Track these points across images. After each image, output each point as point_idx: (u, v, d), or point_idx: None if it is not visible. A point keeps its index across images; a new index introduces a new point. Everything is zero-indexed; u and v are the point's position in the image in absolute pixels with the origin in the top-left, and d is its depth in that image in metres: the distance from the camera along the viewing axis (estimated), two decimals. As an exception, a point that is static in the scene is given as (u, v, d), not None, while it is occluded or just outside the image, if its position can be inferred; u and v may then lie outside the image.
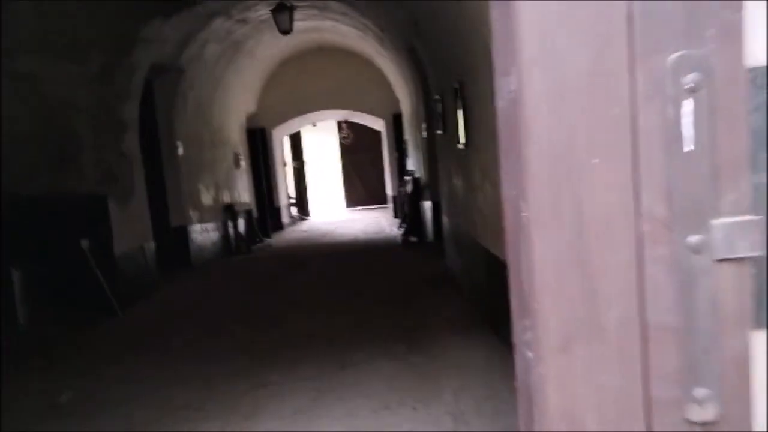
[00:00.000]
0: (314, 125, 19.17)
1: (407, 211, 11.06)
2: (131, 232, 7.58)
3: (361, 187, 21.92)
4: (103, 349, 5.89)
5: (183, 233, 9.92)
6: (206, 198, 11.02)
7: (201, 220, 10.59)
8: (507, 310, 0.89)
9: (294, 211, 18.16)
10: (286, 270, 9.59)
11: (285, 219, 16.49)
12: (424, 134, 9.49)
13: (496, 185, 4.69)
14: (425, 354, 4.90)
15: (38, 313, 6.74)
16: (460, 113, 5.83)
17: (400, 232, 11.56)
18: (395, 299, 7.00)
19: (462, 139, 5.87)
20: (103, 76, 6.95)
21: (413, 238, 10.56)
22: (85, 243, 6.81)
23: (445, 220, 8.10)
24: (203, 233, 10.64)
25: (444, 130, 7.10)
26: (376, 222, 16.43)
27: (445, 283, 7.39)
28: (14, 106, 6.64)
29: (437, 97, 7.41)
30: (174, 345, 5.87)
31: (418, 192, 10.46)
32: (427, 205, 9.87)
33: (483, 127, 4.93)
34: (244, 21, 10.19)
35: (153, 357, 5.52)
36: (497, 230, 4.82)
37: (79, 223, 6.86)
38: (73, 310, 6.76)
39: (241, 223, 12.64)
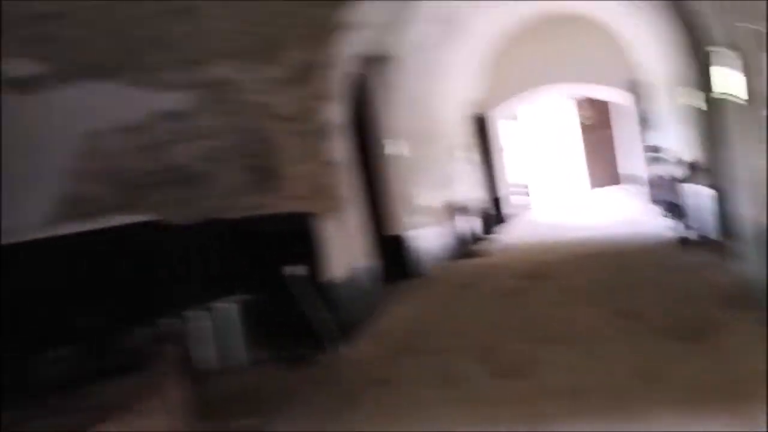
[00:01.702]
0: (540, 104, 17.36)
1: (675, 199, 8.91)
2: (344, 251, 6.56)
3: (596, 167, 19.65)
4: (315, 401, 4.86)
5: (401, 243, 8.82)
6: (425, 199, 9.83)
7: (420, 225, 9.42)
8: None
9: (520, 200, 16.50)
10: (521, 280, 8.05)
11: (511, 211, 14.95)
12: (696, 102, 7.38)
13: None
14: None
15: (252, 351, 5.99)
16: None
17: (669, 225, 9.41)
18: (682, 329, 5.15)
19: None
20: (301, 75, 5.97)
21: (691, 236, 8.39)
22: (292, 269, 5.91)
23: (743, 215, 6.00)
24: (423, 239, 9.47)
25: (750, 95, 5.07)
26: (621, 208, 14.22)
27: (751, 306, 5.35)
28: (211, 119, 5.90)
29: (724, 51, 5.39)
30: (396, 401, 4.64)
31: (691, 177, 8.30)
32: (705, 193, 7.70)
33: None
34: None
35: (371, 422, 4.35)
36: None
37: (285, 247, 5.98)
38: (285, 347, 5.90)
39: (464, 223, 11.36)
